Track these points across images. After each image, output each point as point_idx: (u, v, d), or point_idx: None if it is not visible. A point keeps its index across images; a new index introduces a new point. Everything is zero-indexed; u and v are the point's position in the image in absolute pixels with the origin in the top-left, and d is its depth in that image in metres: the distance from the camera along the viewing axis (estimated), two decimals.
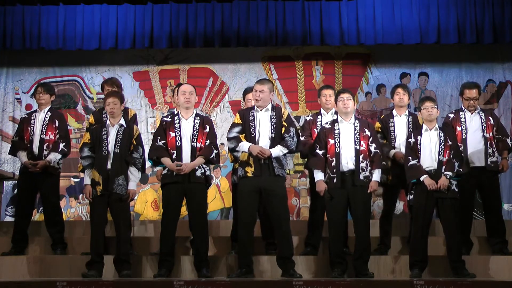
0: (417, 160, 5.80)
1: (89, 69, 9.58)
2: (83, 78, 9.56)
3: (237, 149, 5.71)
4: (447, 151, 5.79)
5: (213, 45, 8.89)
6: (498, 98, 9.30)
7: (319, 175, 5.79)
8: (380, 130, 6.39)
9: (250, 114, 5.81)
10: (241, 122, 5.80)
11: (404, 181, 6.13)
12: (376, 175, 5.75)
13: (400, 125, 6.39)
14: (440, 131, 5.88)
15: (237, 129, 5.79)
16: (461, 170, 5.76)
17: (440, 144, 5.80)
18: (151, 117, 9.39)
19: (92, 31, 8.86)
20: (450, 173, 5.70)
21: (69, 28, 8.88)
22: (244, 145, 5.69)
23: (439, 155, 5.77)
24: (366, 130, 5.85)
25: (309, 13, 8.78)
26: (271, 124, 5.75)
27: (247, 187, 5.67)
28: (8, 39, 8.85)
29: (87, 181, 5.88)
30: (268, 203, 5.70)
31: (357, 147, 5.77)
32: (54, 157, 6.41)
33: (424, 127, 5.94)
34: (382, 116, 6.77)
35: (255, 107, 5.82)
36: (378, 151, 5.80)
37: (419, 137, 5.88)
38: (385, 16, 8.78)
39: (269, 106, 5.82)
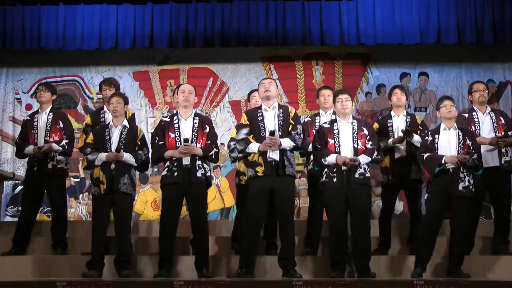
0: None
1: (89, 69, 9.58)
2: (83, 78, 9.55)
3: (246, 151, 5.70)
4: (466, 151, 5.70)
5: (213, 45, 8.89)
6: (498, 98, 9.30)
7: (332, 157, 5.69)
8: (378, 131, 6.37)
9: (258, 114, 5.80)
10: (248, 123, 5.79)
11: (404, 181, 6.15)
12: (363, 158, 5.67)
13: (398, 125, 6.36)
14: (459, 131, 5.81)
15: (245, 130, 5.77)
16: (476, 162, 5.69)
17: (459, 143, 5.73)
18: (151, 117, 9.38)
19: (92, 31, 8.86)
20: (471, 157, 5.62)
21: (69, 28, 8.88)
22: (253, 147, 5.67)
23: (458, 154, 5.70)
24: (364, 129, 5.84)
25: (309, 13, 8.78)
26: (278, 122, 5.74)
27: (257, 188, 5.64)
28: (8, 39, 8.85)
29: (102, 156, 5.83)
30: (276, 203, 5.66)
31: (355, 145, 5.76)
32: (55, 146, 6.39)
33: (443, 126, 5.86)
34: (380, 117, 6.77)
35: (263, 106, 5.83)
36: (375, 147, 5.79)
37: (436, 136, 5.81)
38: (385, 16, 8.78)
39: (276, 104, 5.82)
